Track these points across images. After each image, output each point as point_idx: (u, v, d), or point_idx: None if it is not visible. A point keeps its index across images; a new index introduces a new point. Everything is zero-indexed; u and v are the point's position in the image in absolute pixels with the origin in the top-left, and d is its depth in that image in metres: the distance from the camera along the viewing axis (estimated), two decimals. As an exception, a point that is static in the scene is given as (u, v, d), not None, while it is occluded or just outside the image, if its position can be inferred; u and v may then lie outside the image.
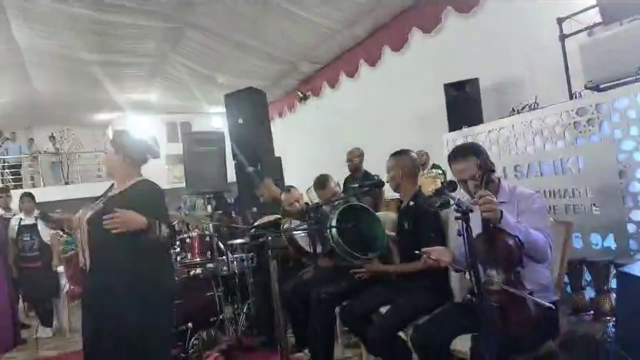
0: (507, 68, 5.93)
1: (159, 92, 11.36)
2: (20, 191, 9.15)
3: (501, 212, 1.94)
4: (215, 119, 13.11)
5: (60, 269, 5.44)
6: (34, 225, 5.34)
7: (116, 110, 13.03)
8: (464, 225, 1.70)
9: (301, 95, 9.23)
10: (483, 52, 6.06)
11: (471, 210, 1.73)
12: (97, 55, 8.21)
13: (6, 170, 12.79)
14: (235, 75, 9.00)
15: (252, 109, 5.62)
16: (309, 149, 10.08)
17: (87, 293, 2.44)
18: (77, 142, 15.32)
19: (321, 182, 3.54)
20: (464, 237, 1.71)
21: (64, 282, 5.38)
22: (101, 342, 2.25)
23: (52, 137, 13.78)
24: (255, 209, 5.21)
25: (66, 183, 13.74)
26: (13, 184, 12.21)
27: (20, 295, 5.60)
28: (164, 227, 2.28)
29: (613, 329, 1.99)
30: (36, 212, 5.41)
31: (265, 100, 6.06)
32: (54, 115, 13.34)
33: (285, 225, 3.26)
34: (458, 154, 2.32)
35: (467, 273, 1.78)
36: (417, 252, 2.26)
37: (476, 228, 2.01)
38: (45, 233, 5.35)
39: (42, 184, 13.31)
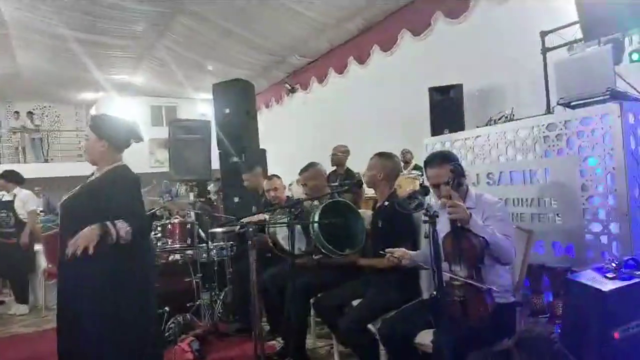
0: (491, 76, 6.11)
1: (145, 75, 11.30)
2: (-1, 166, 9.08)
3: (470, 214, 2.11)
4: (201, 105, 13.09)
5: (38, 246, 5.46)
6: (11, 202, 5.34)
7: (100, 91, 12.90)
8: (431, 228, 1.84)
9: (289, 87, 9.29)
10: (469, 59, 6.22)
11: (437, 216, 1.87)
12: (84, 34, 8.14)
13: (-16, 145, 12.59)
14: (223, 63, 9.01)
15: (240, 100, 5.68)
16: (294, 142, 10.17)
17: (59, 277, 2.44)
18: (59, 119, 15.13)
19: (307, 165, 3.54)
20: (429, 239, 1.85)
21: (42, 260, 5.40)
22: (73, 328, 2.30)
23: (29, 113, 13.47)
24: (237, 199, 5.30)
25: (46, 160, 13.58)
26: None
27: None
28: (123, 225, 2.19)
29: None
30: (16, 190, 5.41)
31: (253, 93, 6.12)
32: (37, 91, 13.14)
33: (271, 230, 3.34)
34: (434, 160, 2.47)
35: (432, 272, 1.92)
36: (381, 252, 2.42)
37: (444, 229, 2.18)
38: (22, 210, 5.35)
39: (21, 160, 13.10)
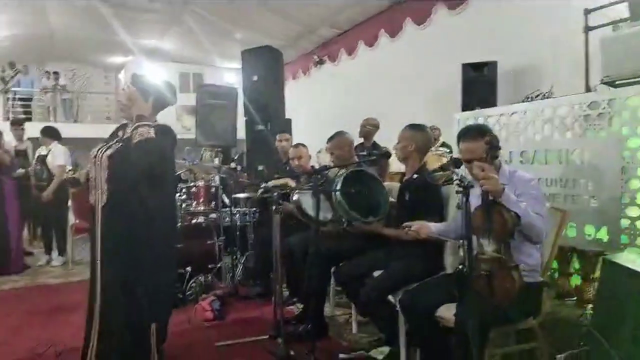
0: (528, 54, 5.86)
1: (173, 41, 11.28)
2: (29, 124, 9.29)
3: (504, 187, 2.03)
4: (228, 74, 13.03)
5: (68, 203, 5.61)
6: (45, 156, 5.51)
7: (129, 55, 12.94)
8: (464, 199, 1.79)
9: (317, 59, 9.16)
10: (506, 35, 5.99)
11: (472, 186, 1.81)
12: (115, -4, 8.15)
13: (17, 102, 12.81)
14: (252, 31, 8.92)
15: (268, 67, 5.63)
16: (320, 115, 10.05)
17: (102, 226, 2.40)
18: (89, 82, 15.30)
19: (334, 134, 3.47)
20: (462, 211, 1.79)
21: (71, 216, 5.55)
22: (114, 273, 2.35)
23: (55, 74, 13.51)
24: (261, 167, 5.30)
25: (75, 121, 13.81)
26: (23, 116, 12.25)
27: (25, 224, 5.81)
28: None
29: (591, 313, 2.10)
30: (52, 145, 5.53)
31: (282, 61, 6.06)
32: (68, 53, 13.25)
33: (295, 197, 3.30)
34: (468, 133, 2.35)
35: (461, 244, 1.87)
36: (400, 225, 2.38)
37: (475, 203, 2.11)
38: (53, 164, 5.48)
39: (51, 119, 13.33)
